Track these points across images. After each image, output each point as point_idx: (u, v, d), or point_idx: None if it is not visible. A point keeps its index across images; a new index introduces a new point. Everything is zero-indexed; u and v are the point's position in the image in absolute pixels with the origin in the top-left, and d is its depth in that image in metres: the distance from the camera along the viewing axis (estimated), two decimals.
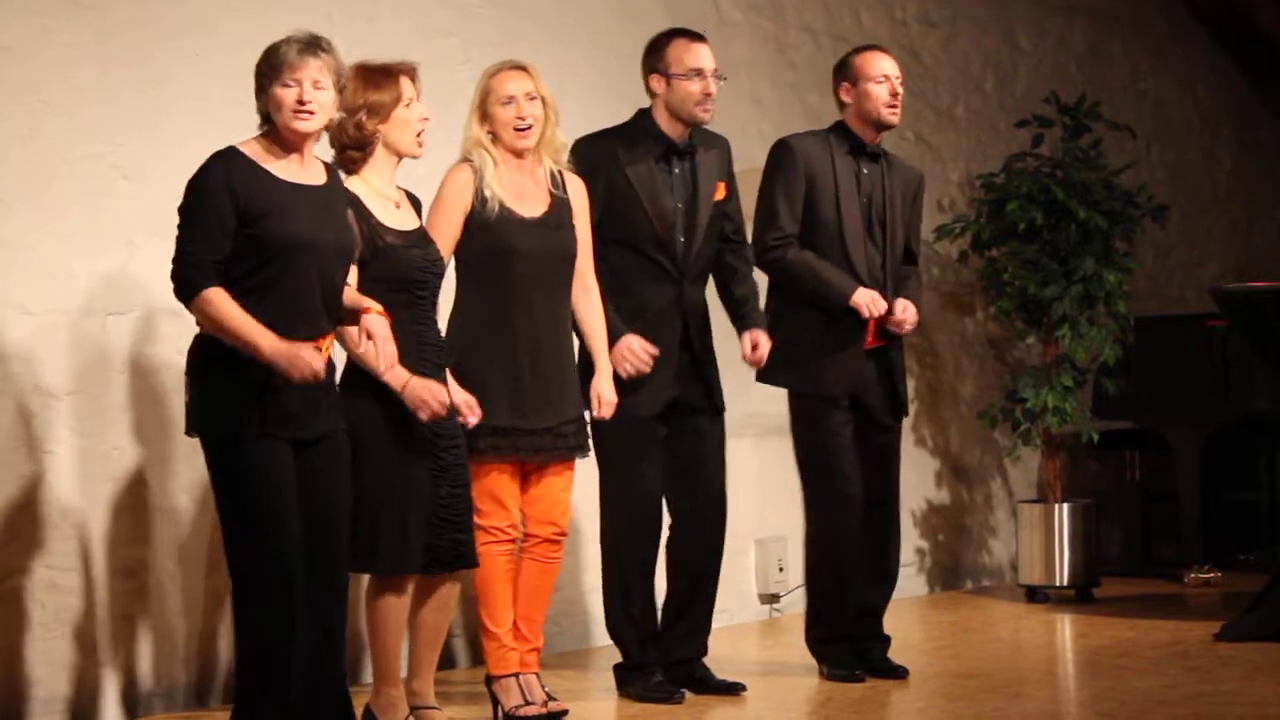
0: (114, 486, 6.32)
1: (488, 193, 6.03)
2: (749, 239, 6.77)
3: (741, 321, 6.65)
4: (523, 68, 6.11)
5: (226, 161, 5.15)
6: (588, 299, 6.27)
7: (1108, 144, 9.26)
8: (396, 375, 5.54)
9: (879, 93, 6.73)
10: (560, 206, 6.18)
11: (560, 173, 6.21)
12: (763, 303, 6.79)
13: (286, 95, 5.17)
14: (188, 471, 6.43)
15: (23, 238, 6.12)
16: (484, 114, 6.09)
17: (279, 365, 5.06)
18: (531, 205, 6.12)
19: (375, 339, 5.27)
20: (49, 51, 6.20)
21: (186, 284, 5.08)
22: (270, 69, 5.19)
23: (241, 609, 5.15)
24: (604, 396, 6.26)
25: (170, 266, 5.12)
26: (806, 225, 6.72)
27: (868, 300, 6.65)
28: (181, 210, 5.15)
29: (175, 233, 5.14)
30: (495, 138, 6.09)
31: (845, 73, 6.82)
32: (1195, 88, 11.08)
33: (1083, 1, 10.38)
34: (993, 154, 9.42)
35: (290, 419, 5.14)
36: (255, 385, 5.09)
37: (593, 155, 6.41)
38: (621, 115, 6.74)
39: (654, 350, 6.37)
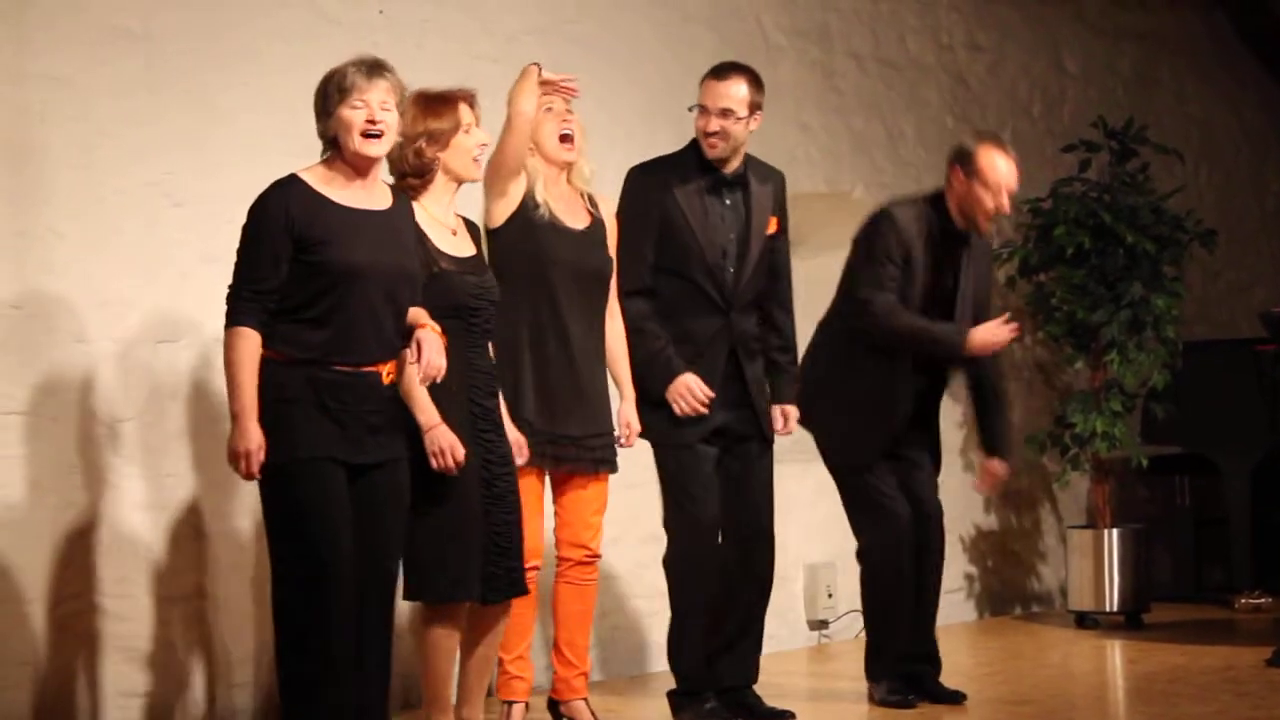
0: (169, 513, 6.34)
1: (539, 197, 6.06)
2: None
3: (776, 393, 6.65)
4: None
5: (284, 189, 5.14)
6: (614, 323, 6.28)
7: (1155, 168, 9.24)
8: (429, 414, 5.52)
9: (985, 199, 6.66)
10: (598, 226, 6.22)
11: (592, 196, 6.25)
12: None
13: (355, 117, 5.15)
14: (243, 497, 6.44)
15: (75, 266, 6.15)
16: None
17: (231, 443, 5.05)
18: (576, 217, 6.16)
19: (422, 352, 5.24)
20: (99, 80, 6.23)
21: (230, 314, 5.10)
22: (337, 91, 5.16)
23: (282, 630, 5.11)
24: (632, 424, 6.28)
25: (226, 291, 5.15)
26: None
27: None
28: (240, 239, 5.15)
29: (230, 259, 5.16)
30: (534, 150, 6.10)
31: (966, 161, 6.71)
32: (1243, 110, 11.05)
33: (1129, 25, 10.36)
34: (1040, 179, 9.39)
35: (343, 441, 5.13)
36: (308, 406, 5.09)
37: (648, 183, 6.43)
38: (667, 141, 6.74)
39: (710, 393, 6.35)
